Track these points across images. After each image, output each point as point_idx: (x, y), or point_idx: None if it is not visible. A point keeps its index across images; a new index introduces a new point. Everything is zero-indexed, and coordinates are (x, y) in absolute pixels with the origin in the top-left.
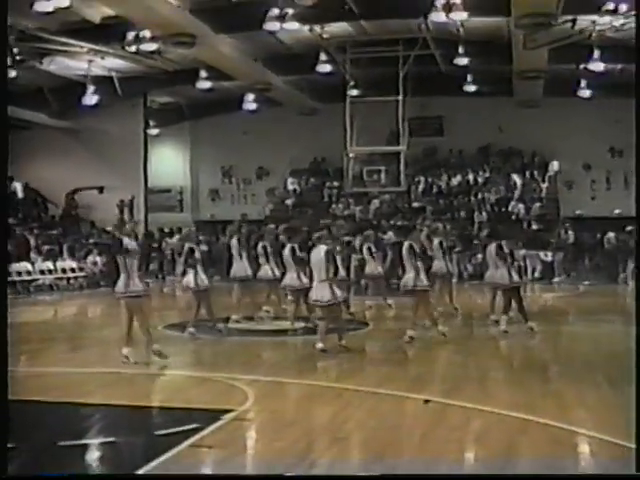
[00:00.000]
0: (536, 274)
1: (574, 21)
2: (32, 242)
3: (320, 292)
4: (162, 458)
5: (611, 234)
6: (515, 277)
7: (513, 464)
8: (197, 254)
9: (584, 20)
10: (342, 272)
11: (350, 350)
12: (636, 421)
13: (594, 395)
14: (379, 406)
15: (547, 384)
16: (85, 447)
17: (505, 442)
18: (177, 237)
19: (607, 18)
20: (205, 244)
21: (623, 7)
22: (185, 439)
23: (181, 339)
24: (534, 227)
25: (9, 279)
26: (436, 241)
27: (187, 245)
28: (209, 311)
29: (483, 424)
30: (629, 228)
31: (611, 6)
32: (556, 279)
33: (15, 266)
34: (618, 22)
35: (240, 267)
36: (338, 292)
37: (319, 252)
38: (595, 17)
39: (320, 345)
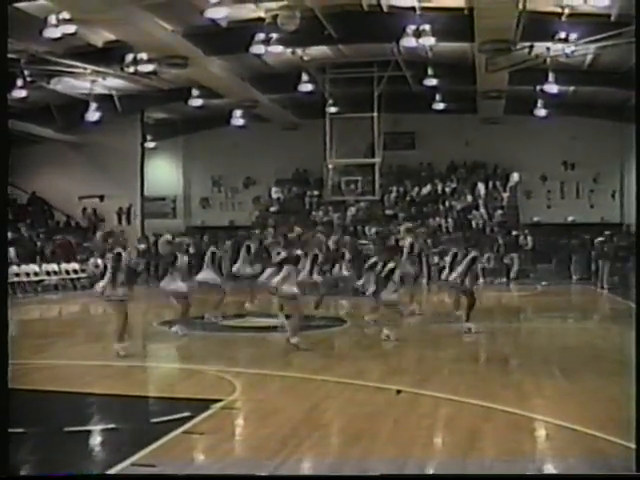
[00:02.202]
0: (512, 274)
1: (531, 47)
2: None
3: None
4: (159, 443)
5: (600, 238)
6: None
7: (479, 449)
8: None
9: (540, 47)
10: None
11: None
12: (636, 421)
13: (550, 384)
14: (356, 396)
15: (508, 375)
16: (88, 433)
17: (470, 428)
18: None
19: (559, 45)
20: (193, 247)
21: (573, 36)
22: (179, 426)
23: (174, 335)
24: (513, 233)
25: (18, 280)
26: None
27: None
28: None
29: (450, 412)
30: (607, 232)
31: (563, 35)
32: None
33: (24, 267)
34: (569, 49)
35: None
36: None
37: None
38: (549, 44)
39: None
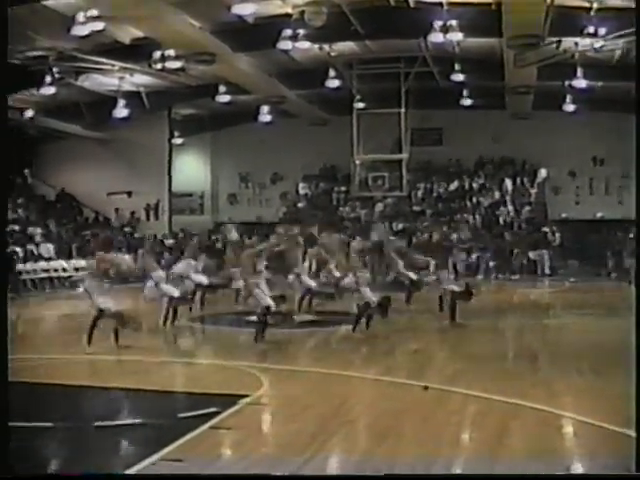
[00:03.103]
0: (546, 270)
1: (559, 42)
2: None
3: None
4: (186, 438)
5: (631, 235)
6: None
7: (505, 445)
8: None
9: (568, 41)
10: None
11: None
12: (636, 422)
13: (580, 381)
14: (383, 392)
15: (537, 372)
16: (117, 427)
17: (499, 425)
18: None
19: (588, 40)
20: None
21: (602, 31)
22: (206, 421)
23: (201, 330)
24: (543, 229)
25: (47, 275)
26: None
27: None
28: None
29: (479, 409)
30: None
31: (591, 30)
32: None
33: (52, 263)
34: (598, 44)
35: None
36: None
37: None
38: (578, 39)
39: None
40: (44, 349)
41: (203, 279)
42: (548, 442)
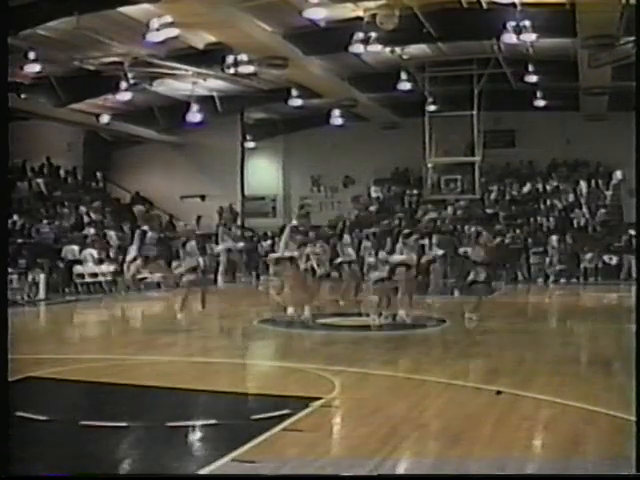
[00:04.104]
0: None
1: (635, 42)
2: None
3: None
4: (259, 439)
5: None
6: None
7: (579, 451)
8: None
9: None
10: None
11: None
12: (636, 423)
13: None
14: (455, 396)
15: (611, 377)
16: (189, 428)
17: (572, 431)
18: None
19: None
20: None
21: None
22: (278, 423)
23: (273, 333)
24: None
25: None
26: None
27: None
28: None
29: (552, 414)
30: None
31: None
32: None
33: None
34: None
35: None
36: None
37: None
38: None
39: None
40: (116, 350)
41: None
42: (620, 448)
